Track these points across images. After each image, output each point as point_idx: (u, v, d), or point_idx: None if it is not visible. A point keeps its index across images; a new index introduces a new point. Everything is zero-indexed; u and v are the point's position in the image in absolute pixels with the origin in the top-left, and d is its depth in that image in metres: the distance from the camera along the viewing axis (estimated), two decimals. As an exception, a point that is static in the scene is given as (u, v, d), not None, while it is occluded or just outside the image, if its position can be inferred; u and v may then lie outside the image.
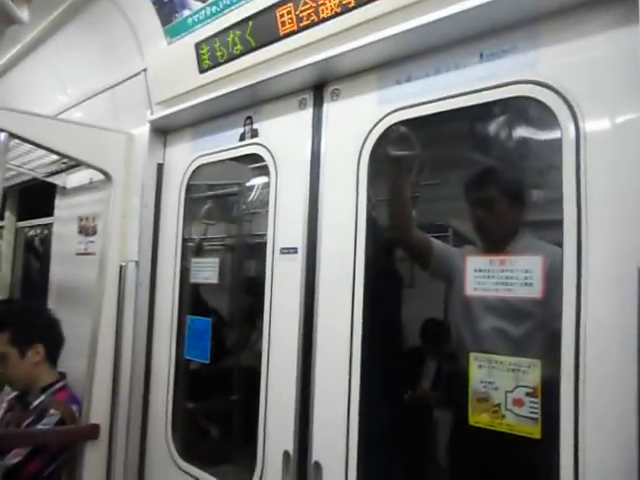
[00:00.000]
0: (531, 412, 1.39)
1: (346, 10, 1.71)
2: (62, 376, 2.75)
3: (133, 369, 2.56)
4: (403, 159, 1.86)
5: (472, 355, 1.52)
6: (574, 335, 1.30)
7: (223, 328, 2.49)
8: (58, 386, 2.63)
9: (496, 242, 1.71)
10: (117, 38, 2.78)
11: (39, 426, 2.39)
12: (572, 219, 1.33)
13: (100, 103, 3.05)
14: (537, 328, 1.54)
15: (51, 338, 2.72)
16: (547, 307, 1.42)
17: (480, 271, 1.51)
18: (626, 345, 1.19)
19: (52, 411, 2.45)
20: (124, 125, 2.87)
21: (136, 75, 2.67)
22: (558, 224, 1.37)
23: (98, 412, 2.60)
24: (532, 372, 1.41)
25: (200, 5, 2.23)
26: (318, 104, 1.97)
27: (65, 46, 3.19)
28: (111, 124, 2.90)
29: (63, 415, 2.46)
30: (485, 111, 1.63)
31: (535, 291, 1.41)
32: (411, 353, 2.14)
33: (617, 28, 1.32)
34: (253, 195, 2.59)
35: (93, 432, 2.55)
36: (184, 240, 2.54)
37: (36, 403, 2.53)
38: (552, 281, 1.38)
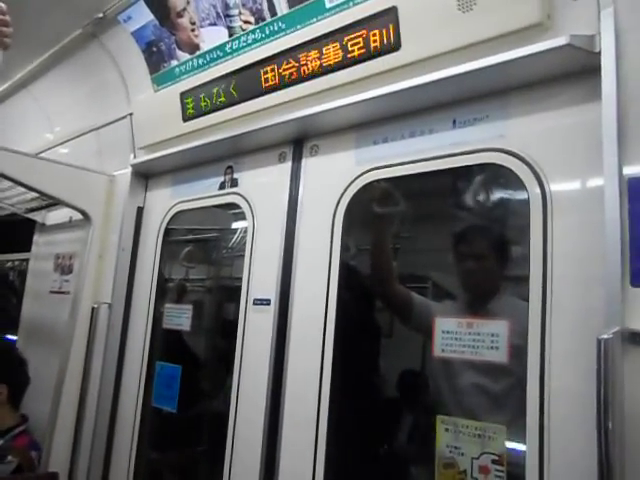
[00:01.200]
0: (497, 480, 1.37)
1: (327, 72, 1.77)
2: (24, 419, 2.65)
3: (98, 415, 2.49)
4: (380, 215, 1.88)
5: (439, 418, 1.50)
6: (538, 400, 1.30)
7: (193, 376, 2.43)
8: (18, 430, 2.54)
9: (474, 299, 1.72)
10: (106, 82, 2.83)
11: (-6, 473, 2.30)
12: (538, 279, 1.35)
13: (85, 143, 3.08)
14: (505, 392, 1.53)
15: (16, 379, 2.64)
16: (514, 371, 1.42)
17: (448, 332, 1.52)
18: (588, 410, 1.19)
19: (9, 458, 2.36)
20: (107, 166, 2.89)
21: (122, 119, 2.72)
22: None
23: (58, 460, 2.51)
24: (498, 438, 1.39)
25: (187, 57, 2.30)
26: (297, 158, 2.01)
27: (55, 86, 3.24)
28: (94, 164, 2.92)
29: (21, 462, 2.36)
30: (459, 173, 1.67)
31: (501, 355, 1.41)
32: (380, 409, 2.10)
33: (581, 103, 1.38)
34: (231, 240, 2.59)
35: (51, 481, 2.45)
36: (159, 284, 2.52)
37: (-7, 448, 2.43)
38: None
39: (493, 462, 1.39)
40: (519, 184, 1.45)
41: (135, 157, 2.64)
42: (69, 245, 3.18)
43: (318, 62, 1.78)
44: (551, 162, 1.40)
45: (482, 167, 1.59)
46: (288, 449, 1.81)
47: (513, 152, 1.45)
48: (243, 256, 2.12)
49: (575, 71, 1.38)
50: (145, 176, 2.71)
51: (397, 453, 1.99)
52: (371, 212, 1.86)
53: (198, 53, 2.25)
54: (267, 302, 1.95)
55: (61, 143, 3.30)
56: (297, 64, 1.83)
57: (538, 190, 1.40)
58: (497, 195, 1.71)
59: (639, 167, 1.19)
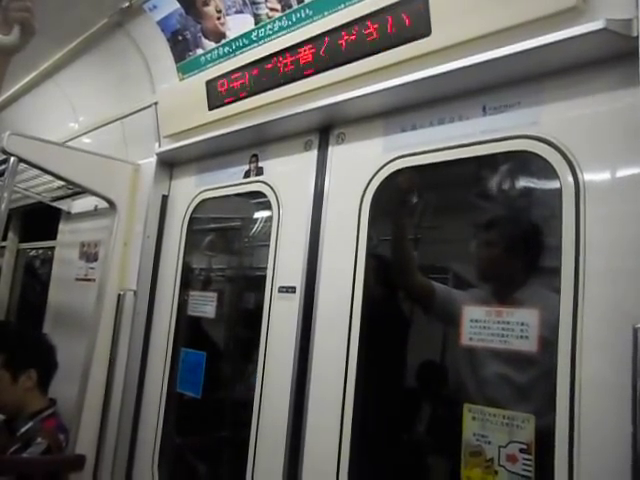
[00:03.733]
0: (524, 469, 1.37)
1: (354, 58, 1.76)
2: (52, 403, 2.71)
3: (124, 400, 2.53)
4: (407, 204, 1.88)
5: (466, 406, 1.50)
6: (569, 390, 1.29)
7: (218, 362, 2.46)
8: (47, 413, 2.59)
9: (501, 289, 1.70)
10: (131, 71, 2.85)
11: (25, 454, 2.35)
12: (570, 270, 1.33)
13: (110, 132, 3.11)
14: (534, 382, 1.52)
15: (45, 364, 2.69)
16: (544, 361, 1.41)
17: (476, 321, 1.51)
18: (620, 400, 1.18)
19: (39, 439, 2.40)
20: (132, 155, 2.92)
21: (147, 108, 2.73)
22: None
23: (85, 442, 2.56)
24: (527, 427, 1.39)
25: (213, 45, 2.30)
26: (323, 146, 2.01)
27: (80, 75, 3.27)
28: (119, 153, 2.95)
29: (50, 444, 2.41)
30: (489, 161, 1.66)
31: (531, 344, 1.40)
32: (407, 396, 2.11)
33: (617, 89, 1.35)
34: (255, 229, 2.60)
35: (78, 463, 2.50)
36: (184, 272, 2.55)
37: (23, 430, 2.48)
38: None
39: (521, 451, 1.38)
40: (551, 172, 1.43)
41: (160, 146, 2.66)
42: (94, 233, 3.22)
43: (346, 48, 1.76)
44: (585, 150, 1.38)
45: (512, 155, 1.57)
46: (313, 435, 1.82)
47: (546, 139, 1.43)
48: (267, 245, 2.13)
49: (611, 56, 1.35)
50: (170, 165, 2.73)
51: (422, 440, 1.99)
52: (398, 200, 1.86)
53: (224, 41, 2.25)
54: (292, 290, 1.96)
55: (86, 132, 3.34)
56: (324, 51, 1.82)
57: (571, 178, 1.37)
58: (528, 184, 1.69)
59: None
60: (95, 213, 3.27)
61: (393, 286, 2.07)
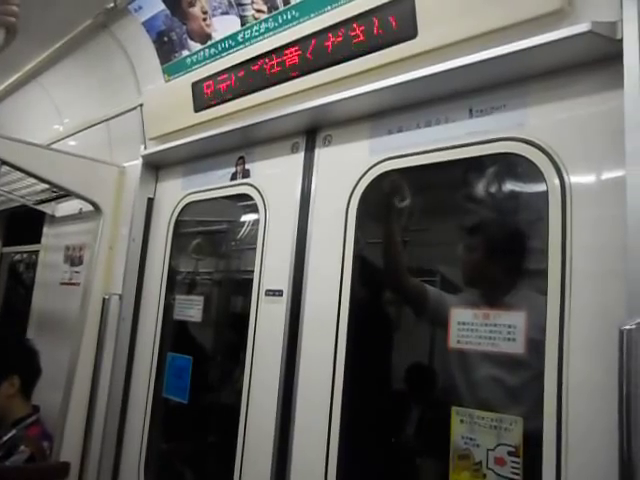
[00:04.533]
0: (513, 472, 1.36)
1: (341, 60, 1.75)
2: (35, 410, 2.67)
3: (109, 406, 2.49)
4: (394, 206, 1.87)
5: (454, 409, 1.49)
6: (556, 392, 1.28)
7: (204, 367, 2.43)
8: (30, 421, 2.55)
9: (491, 293, 1.68)
10: (116, 73, 2.83)
11: (7, 463, 2.31)
12: (557, 272, 1.33)
13: (95, 135, 3.08)
14: (522, 384, 1.52)
15: (27, 370, 2.65)
16: (531, 363, 1.41)
17: (464, 324, 1.50)
18: (607, 402, 1.18)
19: (22, 447, 2.37)
20: (117, 158, 2.89)
21: (132, 110, 2.70)
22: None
23: (70, 450, 2.52)
24: (515, 430, 1.38)
25: (199, 46, 2.28)
26: (310, 148, 2.00)
27: (64, 77, 3.24)
28: (104, 156, 2.92)
29: (33, 452, 2.38)
30: (476, 163, 1.65)
31: (518, 347, 1.40)
32: (395, 400, 2.09)
33: (603, 91, 1.35)
34: (242, 232, 2.58)
35: (63, 471, 2.46)
36: (170, 275, 2.52)
37: (6, 438, 2.44)
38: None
39: (509, 454, 1.38)
40: (537, 175, 1.43)
41: (146, 148, 2.63)
42: (79, 236, 3.19)
43: (332, 50, 1.76)
44: (571, 152, 1.38)
45: (499, 158, 1.57)
46: (301, 440, 1.81)
47: (532, 141, 1.43)
48: (254, 248, 2.11)
49: (596, 59, 1.35)
50: (156, 167, 2.71)
51: (410, 444, 1.98)
52: (385, 203, 1.85)
53: (210, 43, 2.23)
54: (279, 293, 1.94)
55: (71, 134, 3.30)
56: (310, 53, 1.81)
57: (557, 181, 1.37)
58: (516, 186, 1.69)
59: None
60: (80, 216, 3.23)
61: (381, 289, 2.06)
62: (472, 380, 1.61)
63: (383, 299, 2.10)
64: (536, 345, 1.35)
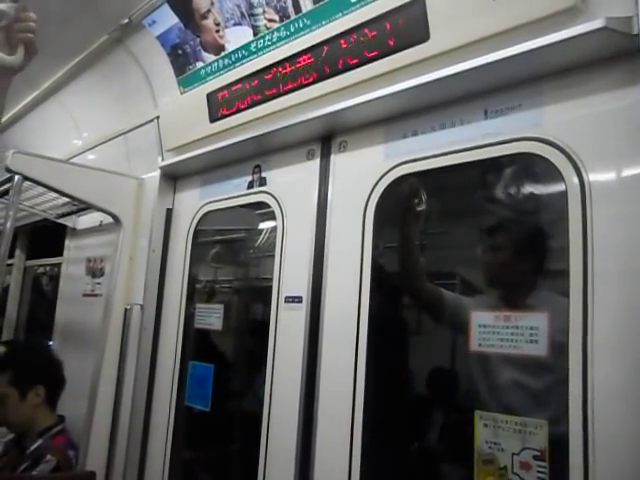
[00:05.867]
0: (539, 477, 1.34)
1: (354, 66, 1.76)
2: (61, 419, 2.70)
3: (133, 414, 2.52)
4: (411, 211, 1.87)
5: (477, 413, 1.47)
6: (581, 395, 1.26)
7: (226, 375, 2.45)
8: (56, 430, 2.58)
9: (511, 295, 1.67)
10: (132, 86, 2.87)
11: (34, 472, 2.34)
12: (578, 272, 1.32)
13: (113, 148, 3.13)
14: (546, 387, 1.50)
15: (52, 380, 2.68)
16: (555, 365, 1.39)
17: (485, 327, 1.49)
18: (633, 403, 1.16)
19: (48, 457, 2.39)
20: (135, 170, 2.93)
21: (149, 122, 2.75)
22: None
23: (95, 459, 2.55)
24: (540, 433, 1.36)
25: (213, 58, 2.31)
26: (326, 155, 2.00)
27: (82, 92, 3.30)
28: (123, 169, 2.96)
29: (59, 462, 2.40)
30: (493, 165, 1.64)
31: (540, 349, 1.38)
32: (416, 405, 2.08)
33: (619, 87, 1.34)
34: (260, 240, 2.60)
35: (89, 479, 2.49)
36: (190, 285, 2.54)
37: (33, 448, 2.47)
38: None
39: (535, 458, 1.35)
40: (555, 174, 1.41)
41: (163, 159, 2.67)
42: (100, 249, 3.23)
43: (345, 57, 1.76)
44: (589, 150, 1.36)
45: (516, 158, 1.56)
46: (323, 447, 1.80)
47: (549, 140, 1.42)
48: (272, 255, 2.12)
49: (612, 55, 1.34)
50: (174, 178, 2.74)
51: (433, 449, 1.96)
52: (403, 208, 1.84)
53: (223, 54, 2.25)
54: (299, 299, 1.95)
55: (90, 149, 3.36)
56: (323, 60, 1.82)
57: (576, 179, 1.36)
58: (534, 186, 1.67)
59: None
60: (100, 229, 3.28)
61: (400, 294, 2.06)
62: (495, 384, 1.60)
63: (402, 304, 2.09)
64: (559, 347, 1.33)
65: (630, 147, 1.29)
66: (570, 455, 1.26)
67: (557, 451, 1.32)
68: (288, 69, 1.95)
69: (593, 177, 1.34)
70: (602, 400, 1.24)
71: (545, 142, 1.43)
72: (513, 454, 1.39)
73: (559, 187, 1.41)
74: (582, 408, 1.25)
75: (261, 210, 2.34)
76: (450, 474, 1.76)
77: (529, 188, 1.67)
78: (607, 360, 1.24)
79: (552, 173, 1.43)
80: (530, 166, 1.59)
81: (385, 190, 1.79)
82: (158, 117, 2.67)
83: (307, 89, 1.91)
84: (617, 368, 1.23)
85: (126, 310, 2.59)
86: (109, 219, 2.91)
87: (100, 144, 3.23)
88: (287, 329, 1.98)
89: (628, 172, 1.30)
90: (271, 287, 2.08)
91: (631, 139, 1.28)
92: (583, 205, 1.33)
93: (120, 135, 3.01)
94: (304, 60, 1.89)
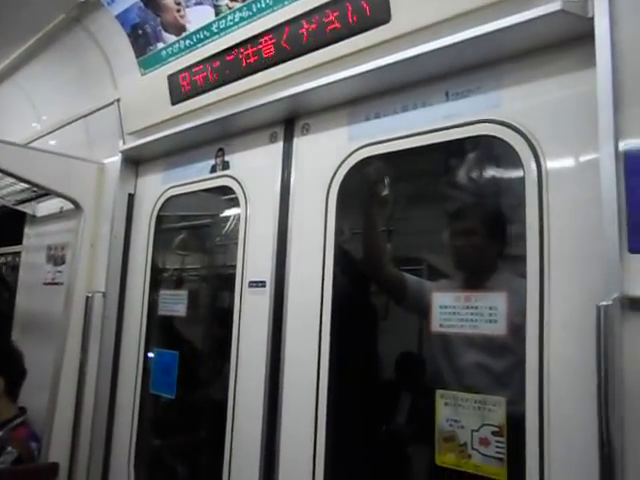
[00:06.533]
0: (497, 452, 1.37)
1: (316, 47, 1.74)
2: (22, 411, 2.64)
3: (96, 405, 2.48)
4: (375, 195, 1.87)
5: (438, 392, 1.50)
6: (537, 370, 1.29)
7: (190, 361, 2.42)
8: (17, 422, 2.52)
9: (472, 278, 1.69)
10: (92, 68, 2.78)
11: (-5, 465, 2.29)
12: (535, 253, 1.34)
13: (73, 132, 3.03)
14: (504, 365, 1.53)
15: (12, 371, 2.62)
16: (513, 344, 1.42)
17: (446, 307, 1.51)
18: (586, 379, 1.19)
19: (9, 449, 2.34)
20: (97, 155, 2.85)
21: (109, 105, 2.67)
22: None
23: (58, 450, 2.50)
24: (498, 410, 1.39)
25: (174, 38, 2.25)
26: (288, 138, 1.98)
27: (40, 74, 3.19)
28: (84, 153, 2.88)
29: (21, 454, 2.35)
30: (454, 147, 1.65)
31: (500, 328, 1.41)
32: (380, 388, 2.10)
33: (575, 71, 1.36)
34: (224, 225, 2.56)
35: (52, 471, 2.44)
36: (153, 271, 2.50)
37: (-7, 440, 2.42)
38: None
39: (493, 434, 1.38)
40: (515, 157, 1.43)
41: (124, 143, 2.60)
42: (61, 236, 3.14)
43: (307, 37, 1.74)
44: (547, 133, 1.38)
45: (477, 142, 1.58)
46: (288, 432, 1.80)
47: (507, 123, 1.43)
48: (236, 242, 2.10)
49: (569, 38, 1.35)
50: (135, 162, 2.68)
51: (398, 433, 1.98)
52: (364, 191, 1.85)
53: (184, 34, 2.20)
54: (262, 284, 1.94)
55: (49, 133, 3.25)
56: (284, 41, 1.80)
57: (533, 161, 1.38)
58: (494, 171, 1.69)
59: (635, 133, 1.17)
60: (61, 215, 3.19)
61: (364, 277, 2.06)
62: (455, 363, 1.62)
63: (366, 288, 2.09)
64: (517, 326, 1.36)
65: (587, 130, 1.30)
66: (527, 430, 1.29)
67: (515, 427, 1.35)
68: (250, 50, 1.92)
69: (550, 160, 1.36)
70: (557, 376, 1.27)
71: (503, 124, 1.44)
72: (473, 431, 1.42)
73: (518, 171, 1.42)
74: (538, 383, 1.28)
75: (227, 196, 2.30)
76: (414, 454, 1.79)
77: (490, 172, 1.69)
78: (562, 338, 1.27)
79: (512, 156, 1.44)
80: (491, 150, 1.60)
81: (348, 173, 1.78)
82: (119, 100, 2.60)
83: (269, 71, 1.88)
84: (572, 346, 1.26)
85: (87, 298, 2.53)
86: (70, 205, 2.84)
87: (59, 128, 3.12)
88: (251, 314, 1.97)
89: (585, 156, 1.32)
90: (234, 274, 2.05)
91: (588, 122, 1.30)
92: (540, 187, 1.35)
93: (80, 118, 2.92)
94: (266, 41, 1.86)
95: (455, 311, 1.49)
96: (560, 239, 1.32)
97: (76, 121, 2.96)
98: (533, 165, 1.38)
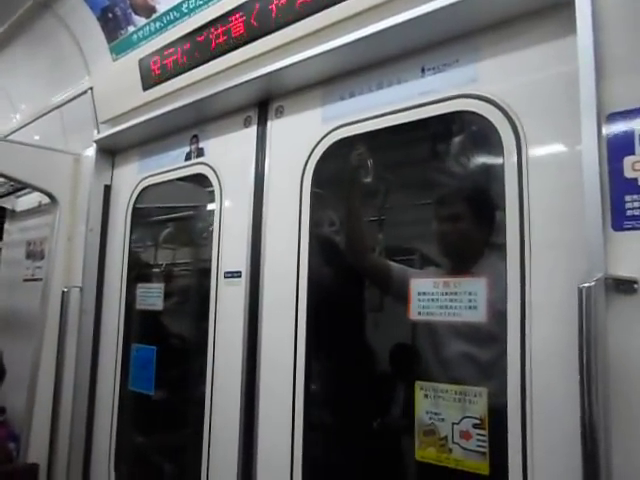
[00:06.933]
0: (479, 445, 1.30)
1: (287, 23, 1.65)
2: (1, 411, 2.57)
3: (75, 403, 2.40)
4: (353, 180, 1.79)
5: (417, 384, 1.42)
6: (519, 357, 1.21)
7: (168, 356, 2.34)
8: (-6, 422, 2.46)
9: (459, 263, 1.60)
10: (64, 55, 2.69)
11: (-30, 466, 2.22)
12: (515, 241, 1.26)
13: (49, 123, 2.94)
14: (485, 354, 1.45)
15: (-9, 370, 2.55)
16: (493, 331, 1.34)
17: (424, 294, 1.43)
18: (570, 366, 1.11)
19: (-15, 450, 2.28)
20: (73, 146, 2.76)
21: (83, 94, 2.58)
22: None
23: (37, 450, 2.43)
24: (479, 402, 1.31)
25: (144, 21, 2.16)
26: (262, 121, 1.89)
27: (10, 63, 3.08)
28: (60, 144, 2.79)
29: (-2, 454, 2.29)
30: (431, 126, 1.57)
31: (479, 315, 1.33)
32: (357, 379, 2.02)
33: (555, 39, 1.27)
34: (201, 216, 2.48)
35: (31, 473, 2.38)
36: (130, 265, 2.42)
37: (-31, 441, 2.35)
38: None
39: (474, 426, 1.31)
40: (493, 133, 1.34)
41: (99, 133, 2.51)
42: (39, 231, 3.07)
43: (276, 13, 1.65)
44: (526, 107, 1.29)
45: (454, 119, 1.49)
46: (266, 425, 1.73)
47: (485, 97, 1.35)
48: (211, 232, 2.02)
49: (547, 4, 1.27)
50: (111, 153, 2.59)
51: (375, 423, 1.90)
52: (340, 175, 1.77)
53: (155, 16, 2.11)
54: (238, 274, 1.86)
55: (24, 125, 3.16)
56: (254, 18, 1.71)
57: (513, 138, 1.29)
58: (471, 148, 1.61)
59: (619, 103, 1.09)
60: (39, 209, 3.11)
61: (341, 265, 1.98)
62: (435, 353, 1.54)
63: (344, 277, 2.01)
64: (498, 313, 1.28)
65: (567, 103, 1.22)
66: (509, 421, 1.22)
67: (497, 419, 1.27)
68: (220, 29, 1.83)
69: (531, 136, 1.27)
70: (540, 364, 1.19)
71: (481, 99, 1.36)
72: (453, 424, 1.34)
73: (497, 149, 1.34)
74: (520, 371, 1.20)
75: (202, 184, 2.21)
76: (394, 450, 1.71)
77: (469, 150, 1.61)
78: (544, 324, 1.19)
79: (491, 133, 1.36)
80: (469, 127, 1.52)
81: (322, 157, 1.70)
82: (92, 88, 2.50)
83: (240, 50, 1.80)
84: (554, 331, 1.18)
85: (64, 293, 2.45)
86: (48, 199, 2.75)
87: (34, 120, 3.04)
88: (227, 305, 1.89)
89: (567, 130, 1.23)
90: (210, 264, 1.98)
91: (568, 94, 1.22)
92: (519, 166, 1.27)
93: (54, 109, 2.83)
94: (236, 19, 1.77)
95: (434, 297, 1.41)
96: (542, 221, 1.23)
97: (51, 112, 2.87)
98: (513, 141, 1.29)
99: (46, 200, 2.87)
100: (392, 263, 1.83)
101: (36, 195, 3.04)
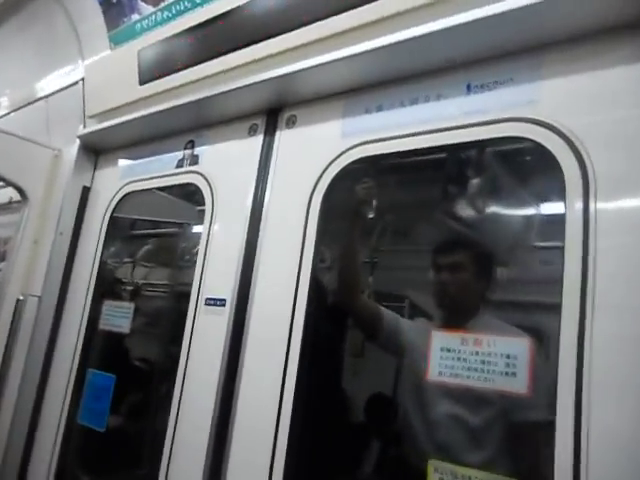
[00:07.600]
0: None
1: (310, 22, 1.43)
2: None
3: (12, 431, 2.05)
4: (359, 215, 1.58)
5: (431, 463, 1.14)
6: (572, 447, 0.95)
7: (130, 388, 2.03)
8: None
9: (454, 316, 1.44)
10: (61, 43, 2.45)
11: None
12: (574, 305, 1.01)
13: (32, 114, 2.68)
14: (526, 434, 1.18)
15: None
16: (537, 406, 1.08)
17: (448, 351, 1.17)
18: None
19: None
20: (55, 141, 2.50)
21: (73, 85, 2.33)
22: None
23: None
24: (508, 495, 1.04)
25: (151, 9, 1.94)
26: (270, 131, 1.66)
27: (4, 49, 2.85)
28: (41, 137, 2.53)
29: None
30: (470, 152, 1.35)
31: (519, 384, 1.07)
32: (350, 434, 1.74)
33: (634, 63, 1.06)
34: (187, 233, 2.21)
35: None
36: (100, 278, 2.13)
37: None
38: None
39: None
40: (552, 164, 1.12)
41: (85, 127, 2.26)
42: (7, 230, 2.76)
43: (299, 10, 1.44)
44: (598, 138, 1.07)
45: (502, 144, 1.27)
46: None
47: (546, 123, 1.13)
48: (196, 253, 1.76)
49: (629, 23, 1.07)
50: (95, 151, 2.33)
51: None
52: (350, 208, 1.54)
53: (163, 5, 1.89)
54: (222, 303, 1.58)
55: (8, 113, 2.90)
56: (274, 14, 1.50)
57: (578, 171, 1.07)
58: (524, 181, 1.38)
59: None
60: (9, 206, 2.82)
61: (342, 309, 1.73)
62: (451, 425, 1.27)
63: (345, 316, 1.75)
64: (545, 384, 1.02)
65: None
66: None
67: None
68: (230, 24, 1.61)
69: (600, 169, 1.05)
70: (598, 450, 0.93)
71: (541, 124, 1.14)
72: (475, 521, 1.06)
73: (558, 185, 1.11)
74: (572, 465, 0.94)
75: (195, 204, 1.96)
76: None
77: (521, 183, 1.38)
78: (607, 407, 0.94)
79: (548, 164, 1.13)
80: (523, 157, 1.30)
81: (336, 178, 1.46)
82: (83, 79, 2.26)
83: (253, 48, 1.57)
84: (615, 417, 0.93)
85: (18, 301, 2.14)
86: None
87: (20, 108, 2.78)
88: (206, 335, 1.61)
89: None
90: (191, 287, 1.70)
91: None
92: (586, 199, 1.04)
93: (40, 99, 2.58)
94: (249, 13, 1.55)
95: (460, 356, 1.15)
96: (609, 260, 1.00)
97: (36, 103, 2.62)
98: (579, 179, 1.06)
99: (18, 197, 2.59)
100: (386, 310, 1.64)
101: (9, 190, 2.75)
